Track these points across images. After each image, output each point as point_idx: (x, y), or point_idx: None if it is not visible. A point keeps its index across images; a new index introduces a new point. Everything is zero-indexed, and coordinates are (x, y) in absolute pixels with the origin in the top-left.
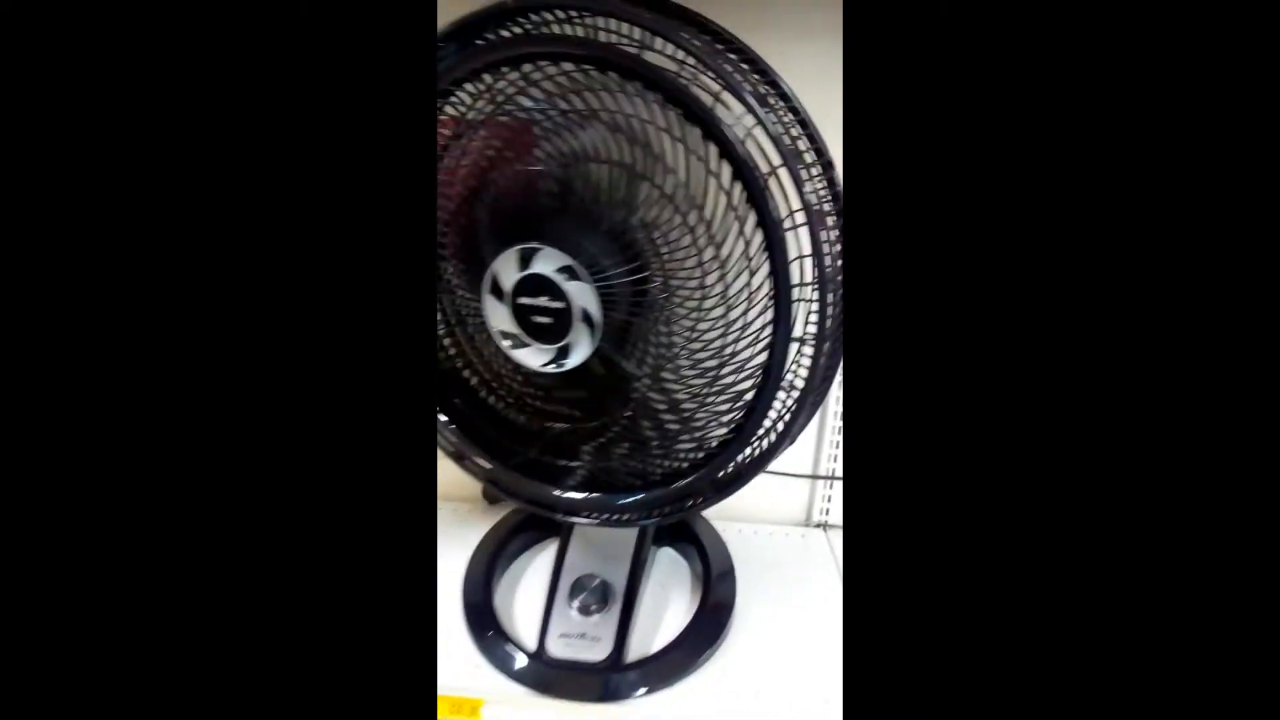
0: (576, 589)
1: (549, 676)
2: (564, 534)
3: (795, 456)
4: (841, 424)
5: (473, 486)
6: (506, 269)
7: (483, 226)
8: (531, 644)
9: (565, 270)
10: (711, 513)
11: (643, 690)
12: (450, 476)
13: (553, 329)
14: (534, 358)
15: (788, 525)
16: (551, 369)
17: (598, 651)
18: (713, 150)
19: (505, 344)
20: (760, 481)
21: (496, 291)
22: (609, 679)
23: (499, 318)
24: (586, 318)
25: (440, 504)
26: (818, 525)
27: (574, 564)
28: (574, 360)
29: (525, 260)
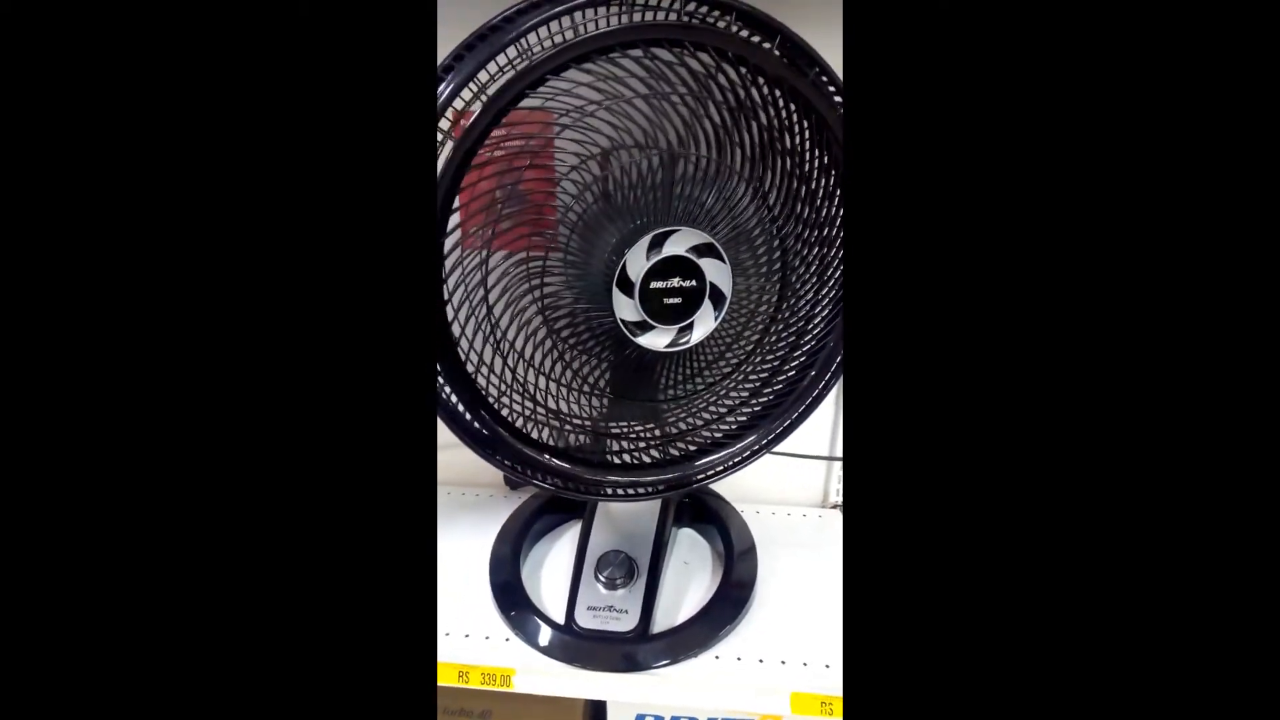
0: (602, 564)
1: (577, 647)
2: (587, 514)
3: (811, 439)
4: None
5: (494, 473)
6: (636, 257)
7: (596, 216)
8: (559, 618)
9: (695, 249)
10: (730, 495)
11: (667, 660)
12: (473, 464)
13: (680, 309)
14: (658, 339)
15: (805, 506)
16: (675, 348)
17: (625, 623)
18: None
19: (629, 333)
20: (777, 464)
21: (624, 283)
22: (635, 649)
23: (625, 309)
24: (715, 293)
25: (464, 490)
26: (833, 506)
27: (598, 542)
28: (697, 336)
29: (656, 245)
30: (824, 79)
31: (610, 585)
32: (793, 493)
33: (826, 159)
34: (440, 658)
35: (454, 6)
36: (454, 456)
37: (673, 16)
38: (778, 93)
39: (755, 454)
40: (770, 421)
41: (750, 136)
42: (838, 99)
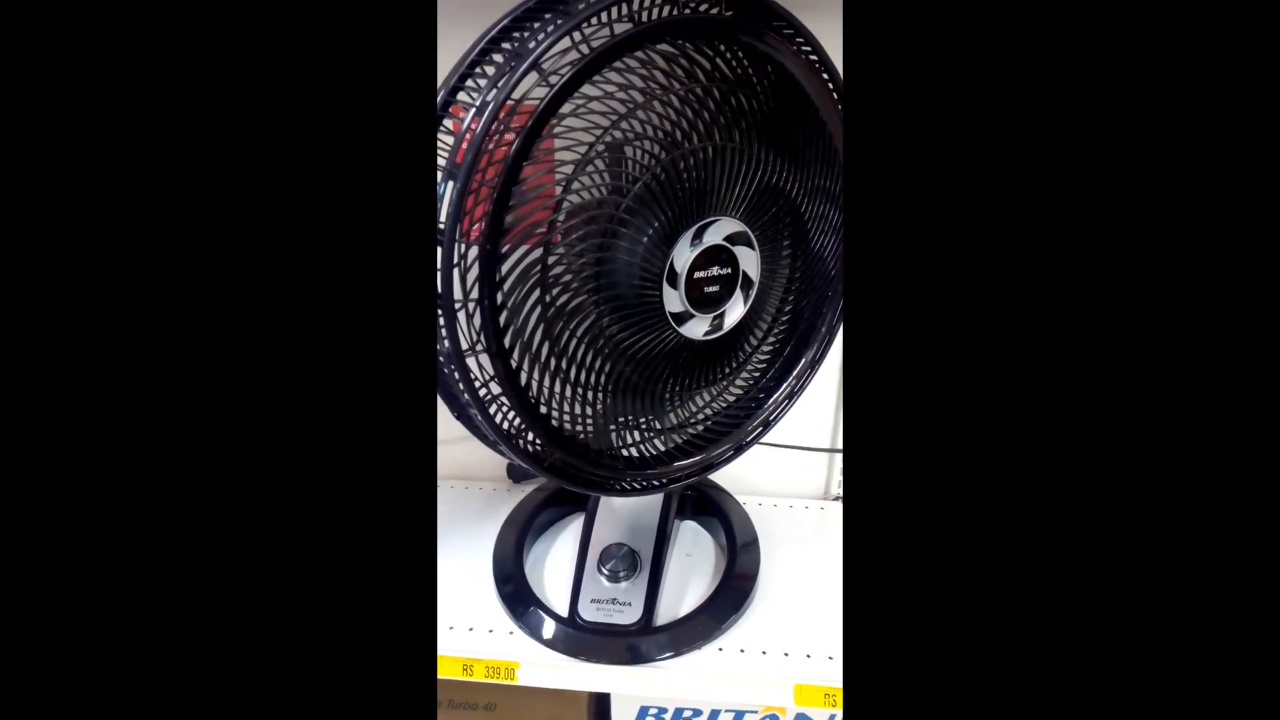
0: (605, 557)
1: (580, 640)
2: (590, 507)
3: (813, 431)
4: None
5: (497, 466)
6: (682, 250)
7: (617, 213)
8: (563, 611)
9: (730, 237)
10: (732, 487)
11: (670, 653)
12: (476, 458)
13: (716, 297)
14: (697, 328)
15: (807, 498)
16: (710, 336)
17: (628, 615)
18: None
19: (674, 324)
20: (779, 456)
21: (671, 277)
22: (639, 642)
23: (673, 301)
24: (746, 281)
25: (467, 484)
26: (835, 498)
27: (601, 535)
28: (729, 322)
29: (699, 236)
30: (814, 56)
31: (613, 578)
32: (795, 485)
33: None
34: (444, 651)
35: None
36: (457, 451)
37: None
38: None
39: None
40: (765, 406)
41: (750, 116)
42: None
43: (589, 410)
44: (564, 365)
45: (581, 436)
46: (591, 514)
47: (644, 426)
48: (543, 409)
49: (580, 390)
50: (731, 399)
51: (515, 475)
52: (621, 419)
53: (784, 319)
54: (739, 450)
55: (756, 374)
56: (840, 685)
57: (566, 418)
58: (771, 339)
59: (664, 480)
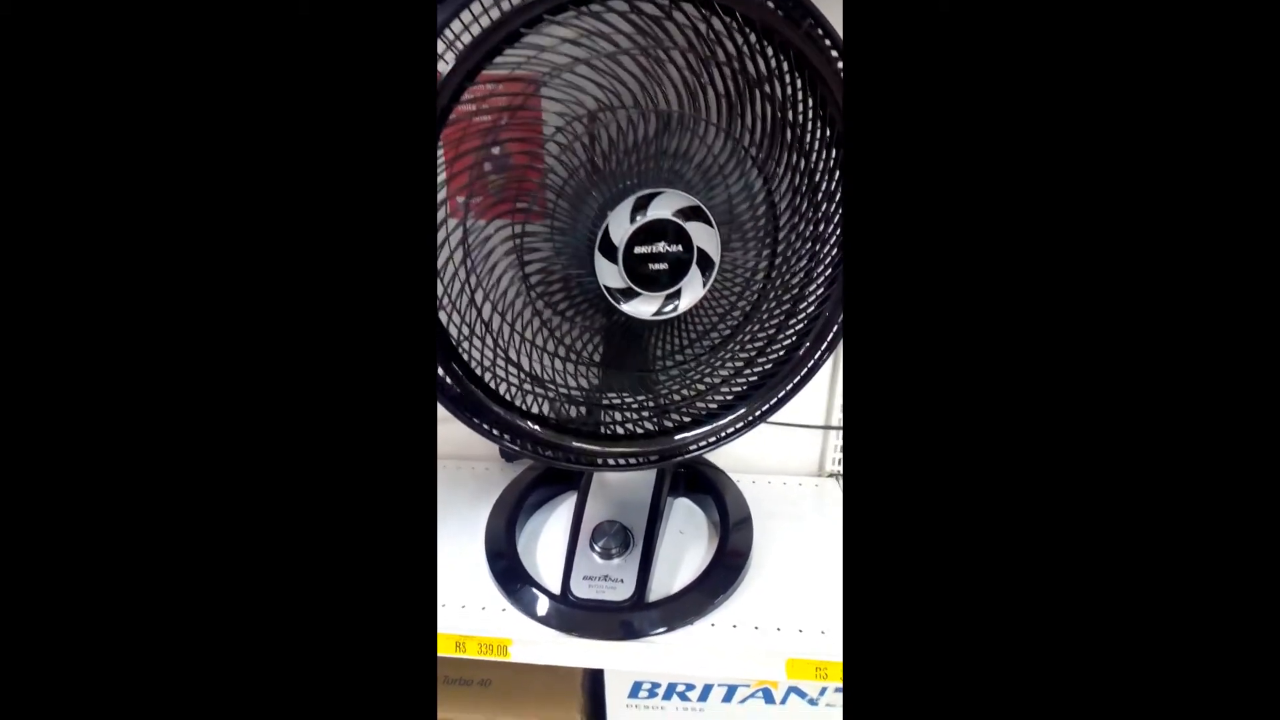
0: (598, 534)
1: (573, 617)
2: (582, 485)
3: (808, 408)
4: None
5: (490, 445)
6: (620, 221)
7: (582, 181)
8: (555, 588)
9: (681, 212)
10: (726, 464)
11: (663, 628)
12: (469, 437)
13: (666, 275)
14: (645, 307)
15: (801, 475)
16: (662, 317)
17: (620, 592)
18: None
19: (613, 300)
20: (773, 433)
21: (606, 248)
22: (631, 618)
23: (608, 275)
24: (704, 259)
25: (459, 463)
26: (830, 475)
27: (594, 512)
28: (685, 304)
29: (640, 208)
30: (819, 31)
31: (606, 555)
32: (789, 462)
33: (822, 119)
34: (437, 629)
35: None
36: (449, 430)
37: None
38: (767, 45)
39: (749, 425)
40: (764, 392)
41: (745, 95)
42: (834, 53)
43: (521, 375)
44: (493, 333)
45: (511, 396)
46: (584, 491)
47: (593, 402)
48: (478, 371)
49: (513, 358)
50: (703, 387)
51: (508, 454)
52: (563, 389)
53: (776, 309)
54: (719, 440)
55: (741, 361)
56: (831, 659)
57: (500, 381)
58: (756, 328)
59: (636, 459)
